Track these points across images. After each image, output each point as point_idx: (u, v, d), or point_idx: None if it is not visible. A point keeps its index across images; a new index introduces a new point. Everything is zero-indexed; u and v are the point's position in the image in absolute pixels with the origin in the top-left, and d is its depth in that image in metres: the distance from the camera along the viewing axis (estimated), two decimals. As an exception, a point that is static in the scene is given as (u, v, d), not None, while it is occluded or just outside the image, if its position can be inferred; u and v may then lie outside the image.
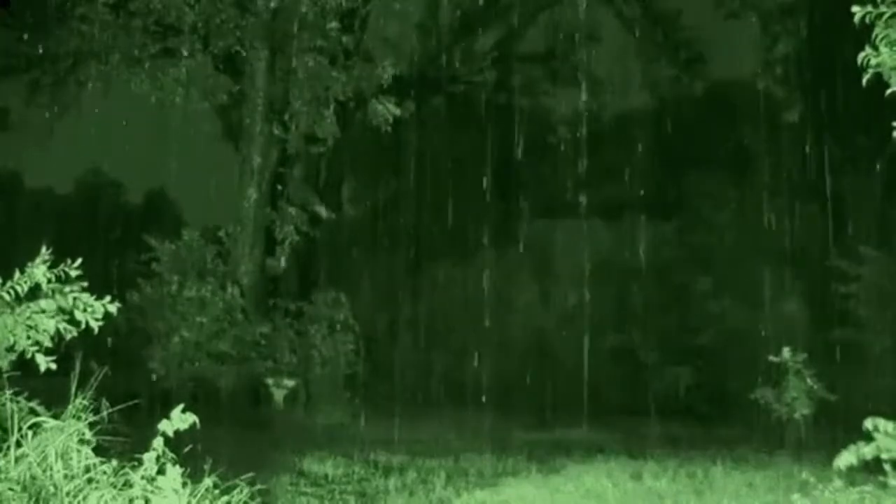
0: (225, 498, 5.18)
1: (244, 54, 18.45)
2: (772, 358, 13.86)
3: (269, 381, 16.86)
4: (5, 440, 4.96)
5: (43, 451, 4.93)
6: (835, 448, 4.97)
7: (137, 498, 4.75)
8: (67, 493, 4.79)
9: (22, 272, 5.30)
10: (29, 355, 5.23)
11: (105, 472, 4.97)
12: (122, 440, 5.44)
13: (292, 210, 18.86)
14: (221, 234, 18.42)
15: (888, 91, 5.37)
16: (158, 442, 4.80)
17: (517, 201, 24.74)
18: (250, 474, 5.46)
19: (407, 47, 24.02)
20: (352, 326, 18.30)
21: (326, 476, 8.99)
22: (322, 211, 19.85)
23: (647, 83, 25.61)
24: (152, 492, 4.73)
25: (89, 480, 4.92)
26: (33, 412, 5.24)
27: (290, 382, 16.94)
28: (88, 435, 5.14)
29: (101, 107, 20.03)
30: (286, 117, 18.61)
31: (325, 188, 21.20)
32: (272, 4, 17.89)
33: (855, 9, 5.29)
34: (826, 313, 19.62)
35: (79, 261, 5.40)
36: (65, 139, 21.24)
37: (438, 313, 23.81)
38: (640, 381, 20.96)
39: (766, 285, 21.14)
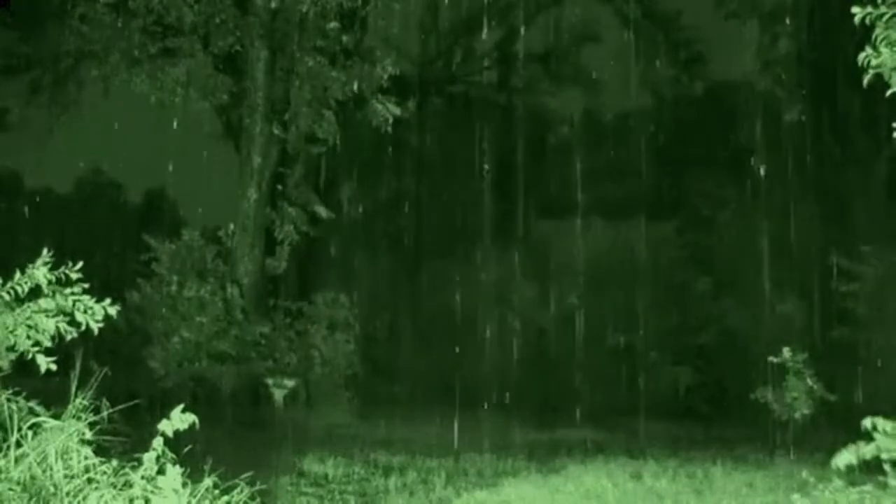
0: (225, 498, 5.18)
1: (244, 54, 18.44)
2: (772, 358, 13.86)
3: (269, 381, 16.85)
4: (5, 440, 4.96)
5: (43, 451, 4.93)
6: (835, 448, 4.97)
7: (137, 498, 4.75)
8: (67, 493, 4.79)
9: (22, 272, 5.30)
10: (29, 356, 5.24)
11: (105, 472, 4.97)
12: (122, 440, 5.44)
13: (292, 210, 18.85)
14: (221, 234, 18.41)
15: (889, 91, 5.37)
16: (158, 442, 4.80)
17: (517, 201, 24.74)
18: (250, 474, 5.46)
19: (407, 47, 24.02)
20: (352, 326, 18.30)
21: (326, 476, 8.99)
22: (322, 211, 19.83)
23: (647, 83, 25.61)
24: (152, 492, 4.73)
25: (89, 480, 4.92)
26: (33, 412, 5.24)
27: (290, 382, 16.93)
28: (88, 435, 5.14)
29: (101, 107, 20.04)
30: (286, 117, 18.60)
31: (325, 188, 21.19)
32: (272, 4, 17.88)
33: (855, 9, 5.29)
34: (826, 313, 19.63)
35: (80, 264, 5.40)
36: (65, 139, 21.23)
37: (438, 313, 23.80)
38: (641, 381, 20.97)
39: (767, 285, 21.13)
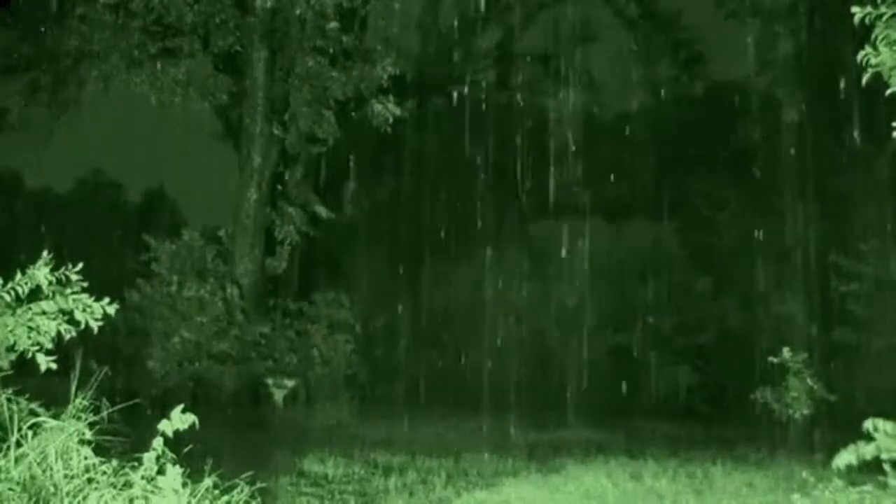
0: (225, 498, 5.18)
1: (244, 54, 18.44)
2: (772, 358, 13.86)
3: (269, 381, 16.87)
4: (5, 440, 4.97)
5: (43, 451, 4.94)
6: (835, 448, 4.97)
7: (137, 498, 4.75)
8: (67, 493, 4.79)
9: (23, 273, 5.30)
10: (29, 355, 5.24)
11: (105, 472, 4.98)
12: (122, 440, 5.44)
13: (292, 210, 18.86)
14: (221, 234, 18.42)
15: (888, 91, 5.38)
16: (158, 442, 4.80)
17: (517, 201, 24.74)
18: (250, 474, 5.46)
19: (407, 47, 24.01)
20: (352, 326, 18.31)
21: (326, 476, 8.98)
22: (322, 211, 19.84)
23: (647, 83, 25.60)
24: (152, 492, 4.73)
25: (89, 480, 4.93)
26: (33, 412, 5.25)
27: (290, 382, 16.94)
28: (88, 435, 5.14)
29: (101, 107, 20.03)
30: (286, 117, 18.60)
31: (325, 188, 21.19)
32: (272, 4, 17.88)
33: (855, 9, 5.29)
34: (826, 313, 19.63)
35: (80, 265, 5.41)
36: (65, 139, 21.21)
37: (438, 313, 23.81)
38: (640, 381, 20.96)
39: (767, 285, 21.14)
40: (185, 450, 5.01)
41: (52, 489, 4.79)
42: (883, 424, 4.81)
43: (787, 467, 9.93)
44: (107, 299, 5.45)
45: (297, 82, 18.39)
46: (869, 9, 5.28)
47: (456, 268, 24.50)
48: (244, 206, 18.33)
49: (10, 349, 5.26)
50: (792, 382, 13.65)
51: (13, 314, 5.27)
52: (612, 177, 24.40)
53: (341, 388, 17.52)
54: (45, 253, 5.35)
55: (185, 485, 4.80)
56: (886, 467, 4.91)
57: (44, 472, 4.86)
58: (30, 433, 5.04)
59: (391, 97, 18.69)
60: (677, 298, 22.58)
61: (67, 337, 5.35)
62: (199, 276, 17.12)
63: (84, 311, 5.35)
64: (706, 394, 20.65)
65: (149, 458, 4.80)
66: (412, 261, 25.22)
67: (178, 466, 4.79)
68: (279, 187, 19.09)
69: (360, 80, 18.38)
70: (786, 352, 13.78)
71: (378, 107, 18.58)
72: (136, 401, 5.89)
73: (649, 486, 8.78)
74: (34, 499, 4.70)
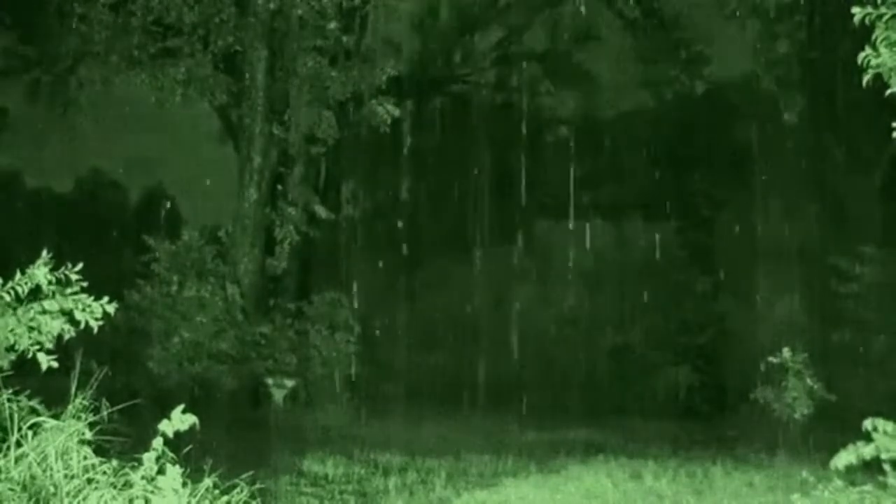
0: (225, 498, 5.18)
1: (244, 54, 18.43)
2: (772, 358, 13.87)
3: (269, 381, 16.85)
4: (5, 440, 4.97)
5: (43, 451, 4.94)
6: (835, 448, 4.97)
7: (137, 498, 4.75)
8: (67, 493, 4.79)
9: (22, 273, 5.30)
10: (30, 354, 5.24)
11: (105, 472, 4.98)
12: (122, 440, 5.44)
13: (292, 210, 18.84)
14: (221, 234, 18.41)
15: (888, 91, 5.37)
16: (158, 442, 4.80)
17: (517, 201, 24.75)
18: (250, 474, 5.46)
19: (407, 47, 24.03)
20: (352, 326, 18.30)
21: (326, 476, 9.00)
22: (322, 211, 19.82)
23: (647, 83, 25.58)
24: (152, 492, 4.73)
25: (89, 480, 4.93)
26: (33, 412, 5.24)
27: (290, 382, 16.92)
28: (88, 435, 5.14)
29: (101, 107, 20.01)
30: (286, 117, 18.59)
31: (325, 188, 21.18)
32: (272, 5, 17.87)
33: (855, 10, 5.29)
34: (826, 313, 19.63)
35: (80, 265, 5.40)
36: (65, 139, 21.21)
37: (438, 313, 23.81)
38: (640, 381, 20.96)
39: (766, 285, 21.15)
40: (185, 450, 5.01)
41: (52, 489, 4.79)
42: (883, 424, 4.82)
43: (787, 467, 9.94)
44: (106, 298, 5.45)
45: (297, 82, 18.38)
46: (869, 9, 5.28)
47: (456, 267, 24.50)
48: (244, 206, 18.32)
49: (10, 349, 5.26)
50: (792, 382, 13.66)
51: (14, 314, 5.26)
52: (611, 177, 24.42)
53: (341, 388, 17.52)
54: (44, 252, 5.35)
55: (185, 485, 4.80)
56: (886, 467, 4.91)
57: (44, 472, 4.86)
58: (30, 433, 5.04)
59: (391, 97, 18.68)
60: (677, 298, 22.58)
61: (67, 337, 5.34)
62: (199, 276, 17.11)
63: (84, 310, 5.34)
64: (706, 394, 20.66)
65: (149, 458, 4.80)
66: (412, 261, 25.24)
67: (177, 466, 4.79)
68: (279, 187, 19.06)
69: (360, 81, 18.37)
70: (786, 352, 13.79)
71: (377, 107, 18.56)
72: (136, 401, 5.88)
73: (649, 486, 8.79)
74: (34, 499, 4.70)
